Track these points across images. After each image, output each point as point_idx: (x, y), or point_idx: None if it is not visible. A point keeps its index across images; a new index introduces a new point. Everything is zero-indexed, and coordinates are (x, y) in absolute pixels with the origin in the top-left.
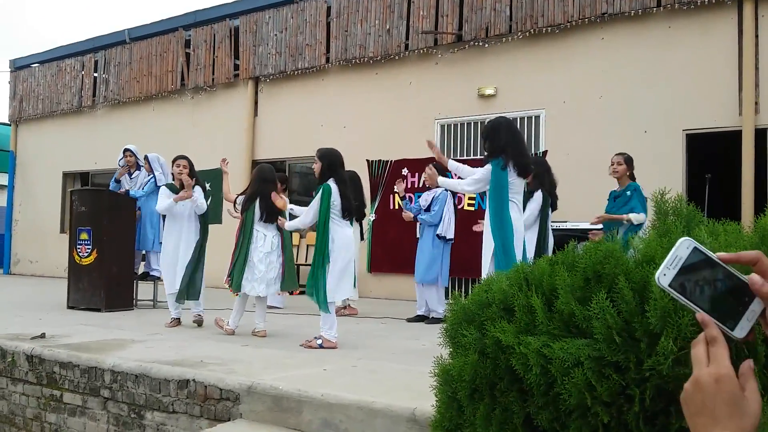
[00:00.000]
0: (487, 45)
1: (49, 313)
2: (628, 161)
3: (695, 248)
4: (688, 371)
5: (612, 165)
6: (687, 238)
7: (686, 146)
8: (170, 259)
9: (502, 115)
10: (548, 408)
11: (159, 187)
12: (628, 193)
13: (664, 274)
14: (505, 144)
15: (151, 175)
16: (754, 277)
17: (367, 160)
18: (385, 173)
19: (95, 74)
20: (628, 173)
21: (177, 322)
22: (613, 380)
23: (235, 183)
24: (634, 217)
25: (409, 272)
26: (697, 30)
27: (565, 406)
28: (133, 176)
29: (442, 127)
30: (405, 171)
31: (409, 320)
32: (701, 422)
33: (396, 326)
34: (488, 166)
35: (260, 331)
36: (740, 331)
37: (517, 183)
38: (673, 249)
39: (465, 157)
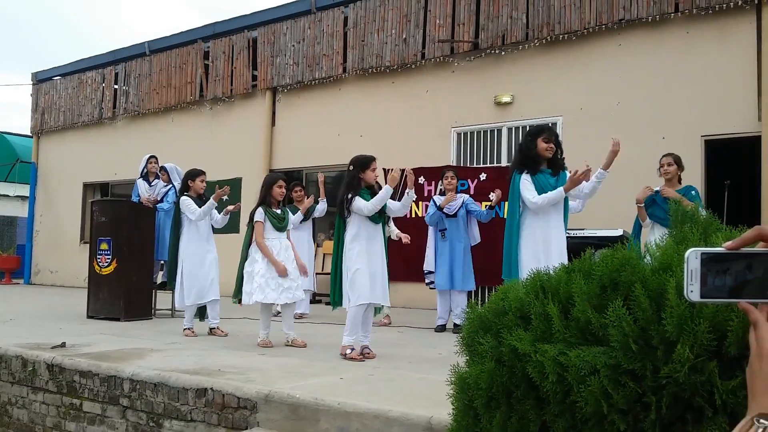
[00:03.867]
0: (503, 53)
1: (69, 322)
2: (678, 161)
3: (702, 253)
4: (705, 378)
5: (662, 166)
6: (691, 249)
7: (705, 152)
8: (195, 269)
9: (522, 123)
10: (564, 416)
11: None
12: (693, 192)
13: (691, 291)
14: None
15: (170, 185)
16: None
17: (384, 169)
18: (402, 181)
19: (115, 86)
20: (679, 174)
21: (192, 331)
22: (629, 388)
23: (254, 192)
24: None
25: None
26: (716, 35)
27: (581, 414)
28: (152, 184)
29: (459, 135)
30: (422, 179)
31: (437, 330)
32: (748, 398)
33: (412, 335)
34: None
35: (294, 340)
36: None
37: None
38: (685, 266)
39: (482, 165)
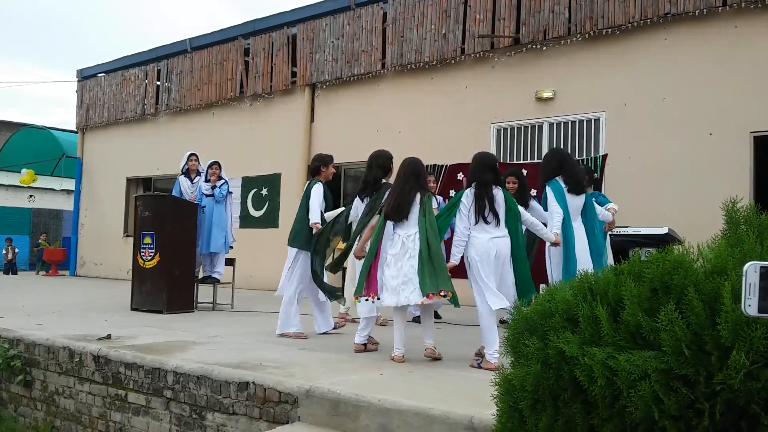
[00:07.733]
0: (545, 48)
1: (113, 314)
2: (519, 175)
3: (761, 267)
4: (761, 386)
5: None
6: (750, 263)
7: (754, 149)
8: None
9: (564, 119)
10: (613, 420)
11: (231, 192)
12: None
13: (749, 305)
14: (556, 168)
15: (224, 181)
16: None
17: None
18: (441, 177)
19: (158, 83)
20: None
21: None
22: (681, 394)
23: (293, 188)
24: None
25: (463, 276)
26: (765, 29)
27: (630, 419)
28: (194, 181)
29: (499, 131)
30: (460, 176)
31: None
32: None
33: (452, 331)
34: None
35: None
36: None
37: (569, 199)
38: (743, 279)
39: (522, 161)
